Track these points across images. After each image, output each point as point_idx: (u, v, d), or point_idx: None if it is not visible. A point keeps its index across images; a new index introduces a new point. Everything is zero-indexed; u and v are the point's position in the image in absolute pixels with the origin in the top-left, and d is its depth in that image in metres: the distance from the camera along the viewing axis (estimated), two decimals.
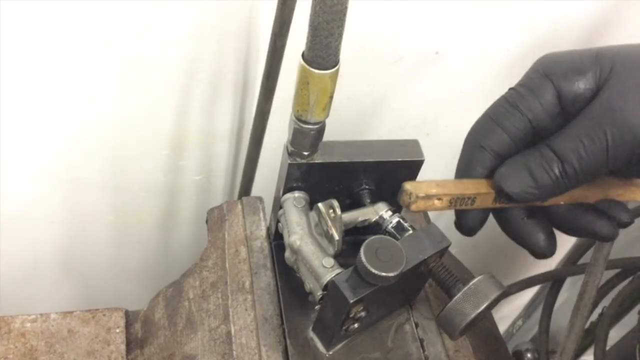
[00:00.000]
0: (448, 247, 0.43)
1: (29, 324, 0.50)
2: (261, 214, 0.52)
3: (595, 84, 0.40)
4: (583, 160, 0.38)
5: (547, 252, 0.43)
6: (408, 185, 0.42)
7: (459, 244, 1.12)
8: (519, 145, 0.42)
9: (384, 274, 0.38)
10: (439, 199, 0.41)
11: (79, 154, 0.70)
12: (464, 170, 0.43)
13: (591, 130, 0.38)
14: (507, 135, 0.41)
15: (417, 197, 0.41)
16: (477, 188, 0.42)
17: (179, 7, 0.58)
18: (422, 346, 0.47)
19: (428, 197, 0.41)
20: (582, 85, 0.40)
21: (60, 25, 0.56)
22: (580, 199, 0.44)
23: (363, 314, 0.41)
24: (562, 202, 0.43)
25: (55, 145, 0.68)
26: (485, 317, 0.47)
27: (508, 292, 0.90)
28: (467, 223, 0.44)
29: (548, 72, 0.41)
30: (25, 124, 0.64)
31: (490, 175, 0.42)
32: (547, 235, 0.43)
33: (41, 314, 0.51)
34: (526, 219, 0.43)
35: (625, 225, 0.43)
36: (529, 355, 0.68)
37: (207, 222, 0.53)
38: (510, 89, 0.43)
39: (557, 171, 0.39)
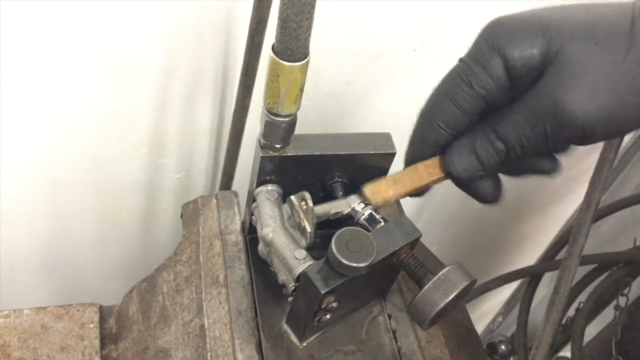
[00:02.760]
0: (419, 238, 0.43)
1: (1, 320, 0.49)
2: (236, 208, 0.52)
3: (542, 61, 0.39)
4: (525, 146, 0.40)
5: (496, 198, 0.44)
6: (368, 192, 0.44)
7: (438, 242, 1.13)
8: (472, 119, 0.42)
9: (354, 264, 0.38)
10: (396, 197, 0.44)
11: (58, 153, 0.70)
12: (418, 148, 0.44)
13: (532, 120, 0.39)
14: (462, 112, 0.41)
15: (376, 204, 0.44)
16: (430, 174, 0.43)
17: (157, 5, 0.58)
18: (395, 337, 0.47)
19: (385, 202, 0.44)
20: (529, 62, 0.39)
21: (39, 25, 0.55)
22: None
23: (335, 304, 0.42)
24: None
25: (33, 144, 0.68)
26: (458, 308, 0.47)
27: (487, 287, 0.91)
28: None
29: (496, 44, 0.40)
30: (4, 122, 0.64)
31: (442, 151, 0.43)
32: (495, 182, 0.44)
33: (14, 310, 0.50)
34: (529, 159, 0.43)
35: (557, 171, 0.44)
36: (502, 347, 0.68)
37: (182, 216, 0.53)
38: (461, 61, 0.42)
39: (502, 154, 0.41)
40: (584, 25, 0.39)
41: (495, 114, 0.41)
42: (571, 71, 0.38)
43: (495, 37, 0.40)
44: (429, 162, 0.43)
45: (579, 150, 0.46)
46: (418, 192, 0.44)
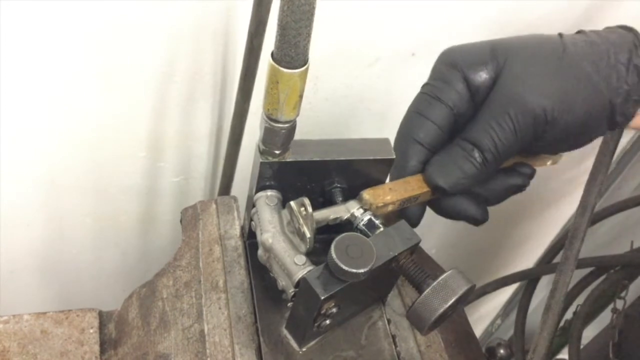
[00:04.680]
0: (418, 243, 0.43)
1: (1, 325, 0.49)
2: (235, 213, 0.53)
3: (494, 73, 0.45)
4: (497, 144, 0.43)
5: (483, 217, 0.48)
6: (367, 195, 0.45)
7: (437, 245, 1.13)
8: (445, 133, 0.46)
9: (354, 270, 0.39)
10: (392, 204, 0.46)
11: (57, 157, 0.70)
12: (401, 165, 0.47)
13: (498, 116, 0.43)
14: (435, 125, 0.46)
15: (376, 207, 0.45)
16: (420, 187, 0.46)
17: (155, 8, 0.58)
18: (395, 342, 0.47)
19: (385, 205, 0.45)
20: (484, 74, 0.45)
21: (36, 29, 0.55)
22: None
23: (334, 310, 0.42)
24: None
25: (32, 148, 0.68)
26: (457, 313, 0.48)
27: (484, 290, 0.91)
28: (410, 220, 0.48)
29: (454, 63, 0.46)
30: (2, 127, 0.64)
31: (422, 167, 0.47)
32: (477, 203, 0.47)
33: (14, 315, 0.50)
34: (454, 197, 0.47)
35: (530, 175, 0.49)
36: (501, 350, 0.69)
37: (181, 221, 0.54)
38: (425, 84, 0.47)
39: (478, 159, 0.44)
40: (524, 43, 0.46)
41: (464, 128, 0.46)
42: (521, 71, 0.44)
43: (452, 58, 0.47)
44: (417, 176, 0.47)
45: (573, 154, 0.48)
46: (411, 203, 0.47)
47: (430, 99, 0.46)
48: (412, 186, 0.46)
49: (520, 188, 0.49)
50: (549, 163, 0.53)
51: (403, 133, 0.47)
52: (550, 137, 0.44)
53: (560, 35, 0.46)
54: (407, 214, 0.48)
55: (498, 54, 0.45)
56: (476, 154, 0.44)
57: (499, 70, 0.45)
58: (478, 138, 0.44)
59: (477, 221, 0.48)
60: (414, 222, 0.48)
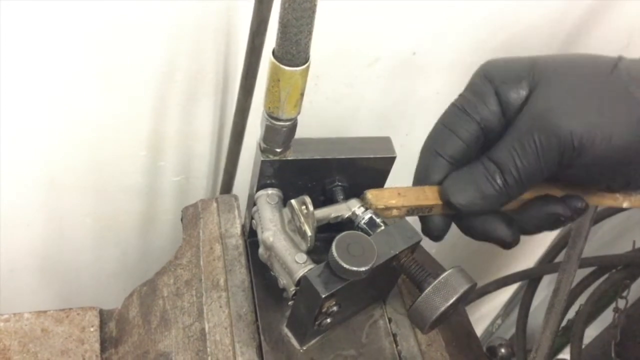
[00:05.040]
0: (419, 242, 0.43)
1: (1, 324, 0.49)
2: (236, 212, 0.52)
3: (528, 90, 0.42)
4: (519, 167, 0.41)
5: (513, 239, 0.45)
6: (369, 195, 0.44)
7: (438, 245, 1.13)
8: (472, 148, 0.44)
9: (355, 268, 0.38)
10: (397, 208, 0.44)
11: (57, 156, 0.70)
12: (422, 177, 0.45)
13: (522, 138, 0.40)
14: (460, 140, 0.44)
15: (376, 208, 0.44)
16: (435, 198, 0.44)
17: (156, 7, 0.58)
18: (395, 341, 0.47)
19: (387, 208, 0.44)
20: (517, 91, 0.42)
21: (37, 28, 0.55)
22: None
23: (335, 308, 0.42)
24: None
25: (32, 147, 0.68)
26: (458, 312, 0.47)
27: (486, 289, 0.91)
28: (431, 231, 0.46)
29: (490, 77, 0.43)
30: (2, 126, 0.64)
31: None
32: (508, 223, 0.44)
33: (14, 314, 0.50)
34: (483, 217, 0.44)
35: (581, 210, 0.45)
36: (502, 350, 0.69)
37: (182, 220, 0.54)
38: (459, 95, 0.45)
39: (499, 181, 0.42)
40: (569, 61, 0.43)
41: (492, 145, 0.43)
42: (554, 91, 0.41)
43: (488, 71, 0.44)
44: (435, 187, 0.45)
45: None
46: (422, 213, 0.45)
47: (459, 112, 0.44)
48: (427, 195, 0.44)
49: (560, 219, 0.44)
50: (624, 204, 0.47)
51: (428, 145, 0.45)
52: (582, 165, 0.40)
53: (618, 57, 0.42)
54: (428, 224, 0.45)
55: (536, 70, 0.42)
56: (497, 176, 0.41)
57: (533, 88, 0.42)
58: (501, 158, 0.41)
59: (505, 244, 0.45)
60: (436, 235, 0.45)
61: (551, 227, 0.45)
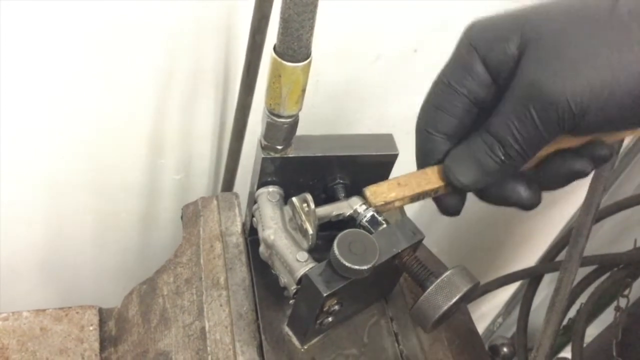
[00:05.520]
0: (421, 240, 0.43)
1: (0, 322, 0.49)
2: (236, 210, 0.52)
3: (517, 51, 0.38)
4: (519, 139, 0.38)
5: (534, 201, 0.42)
6: (367, 192, 0.43)
7: (439, 243, 1.13)
8: (465, 122, 0.41)
9: (357, 267, 0.38)
10: (399, 200, 0.42)
11: (57, 154, 0.70)
12: (422, 159, 0.43)
13: (517, 109, 0.37)
14: (451, 116, 0.41)
15: (375, 205, 0.42)
16: (440, 179, 0.42)
17: (156, 6, 0.58)
18: (397, 340, 0.47)
19: (386, 203, 0.42)
20: (506, 54, 0.38)
21: (38, 27, 0.55)
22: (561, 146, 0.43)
23: (337, 307, 0.41)
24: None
25: (32, 146, 0.67)
26: (460, 311, 0.47)
27: (486, 288, 0.91)
28: (447, 211, 0.44)
29: (473, 42, 0.40)
30: (2, 124, 0.63)
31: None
32: (527, 185, 0.42)
33: (13, 312, 0.50)
34: (501, 183, 0.41)
35: (606, 159, 0.42)
36: (505, 349, 0.68)
37: (182, 218, 0.53)
38: (444, 66, 0.42)
39: (501, 155, 0.39)
40: (559, 10, 0.38)
41: (488, 116, 0.40)
42: (545, 51, 0.37)
43: (472, 36, 0.40)
44: (436, 167, 0.43)
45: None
46: (429, 196, 0.43)
47: (444, 86, 0.41)
48: (429, 178, 0.42)
49: (582, 171, 0.41)
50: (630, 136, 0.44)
51: (419, 126, 0.43)
52: (588, 124, 0.37)
53: None
54: (442, 206, 0.43)
55: (525, 27, 0.38)
56: (497, 149, 0.39)
57: (523, 48, 0.38)
58: (500, 131, 0.39)
59: (526, 207, 0.42)
60: (453, 214, 0.43)
61: (574, 180, 0.42)
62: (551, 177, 0.42)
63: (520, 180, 0.42)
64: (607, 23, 0.36)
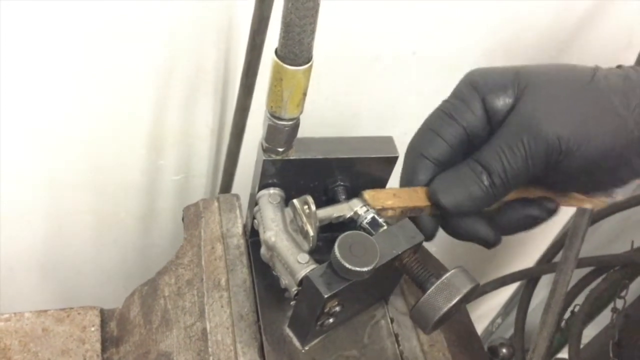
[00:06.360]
0: (422, 242, 0.43)
1: (2, 323, 0.49)
2: (237, 211, 0.52)
3: (514, 98, 0.44)
4: (507, 169, 0.42)
5: (496, 240, 0.46)
6: (367, 195, 0.45)
7: (437, 244, 1.13)
8: (456, 152, 0.45)
9: (357, 268, 0.38)
10: (392, 209, 0.45)
11: (57, 154, 0.70)
12: (408, 179, 0.46)
13: (510, 140, 0.42)
14: (446, 143, 0.45)
15: (373, 208, 0.44)
16: (427, 199, 0.45)
17: (157, 6, 0.58)
18: (397, 341, 0.47)
19: (383, 209, 0.44)
20: (503, 99, 0.44)
21: (36, 27, 0.55)
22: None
23: (338, 309, 0.41)
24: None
25: (32, 146, 0.68)
26: (460, 312, 0.47)
27: (483, 289, 0.91)
28: (422, 232, 0.46)
29: (475, 85, 0.45)
30: (2, 124, 0.63)
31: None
32: (490, 224, 0.46)
33: (15, 313, 0.50)
34: (465, 218, 0.46)
35: (553, 212, 0.47)
36: (504, 350, 0.69)
37: (183, 219, 0.53)
38: (444, 101, 0.46)
39: (486, 182, 0.43)
40: (550, 70, 0.44)
41: (477, 150, 0.44)
42: (541, 97, 0.42)
43: (473, 79, 0.45)
44: (427, 188, 0.45)
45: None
46: (415, 213, 0.46)
47: (445, 116, 0.45)
48: (420, 196, 0.45)
49: (536, 220, 0.47)
50: (587, 205, 0.50)
51: (413, 147, 0.47)
52: (566, 168, 0.43)
53: (595, 67, 0.44)
54: (419, 225, 0.46)
55: (520, 79, 0.44)
56: (484, 177, 0.43)
57: (519, 96, 0.43)
58: (488, 161, 0.43)
59: (488, 243, 0.46)
60: (427, 235, 0.47)
61: (527, 228, 0.47)
62: (510, 220, 0.47)
63: (485, 219, 0.46)
64: (589, 88, 0.43)
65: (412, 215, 0.46)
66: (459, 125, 0.45)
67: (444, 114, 0.45)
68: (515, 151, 0.42)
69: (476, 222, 0.45)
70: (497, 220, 0.46)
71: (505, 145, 0.42)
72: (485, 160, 0.43)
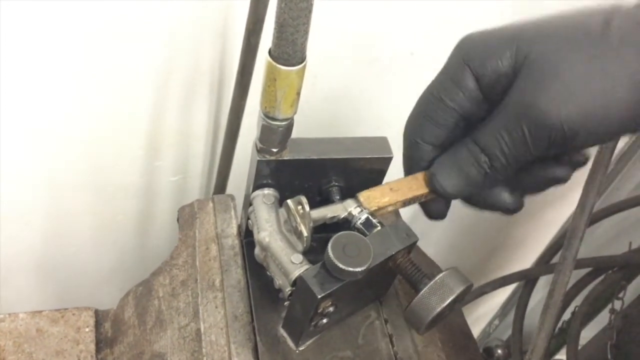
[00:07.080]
0: (415, 242, 0.43)
1: None
2: (232, 212, 0.52)
3: (511, 69, 0.39)
4: (507, 154, 0.39)
5: (517, 206, 0.43)
6: (361, 198, 0.44)
7: (434, 244, 1.13)
8: (454, 133, 0.42)
9: (351, 269, 0.38)
10: (392, 205, 0.44)
11: (54, 156, 0.70)
12: (408, 165, 0.44)
13: (509, 125, 0.38)
14: (438, 128, 0.42)
15: (369, 209, 0.44)
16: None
17: (154, 7, 0.58)
18: (392, 342, 0.47)
19: (379, 208, 0.44)
20: (499, 73, 0.39)
21: (36, 27, 0.55)
22: None
23: (332, 309, 0.41)
24: None
25: (30, 146, 0.67)
26: (454, 313, 0.47)
27: (482, 290, 0.91)
28: (433, 216, 0.45)
29: (466, 57, 0.40)
30: (1, 126, 0.63)
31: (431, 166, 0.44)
32: (510, 190, 0.43)
33: (9, 314, 0.50)
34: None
35: (582, 165, 0.43)
36: (499, 351, 0.69)
37: (178, 220, 0.53)
38: (434, 80, 0.42)
39: (485, 166, 0.40)
40: (553, 29, 0.39)
41: (475, 128, 0.41)
42: (541, 72, 0.37)
43: (465, 51, 0.41)
44: (427, 172, 0.44)
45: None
46: (419, 201, 0.44)
47: (434, 98, 0.42)
48: (420, 183, 0.43)
49: (561, 181, 0.42)
50: None
51: (407, 134, 0.44)
52: (573, 146, 0.38)
53: (610, 12, 0.37)
54: (428, 210, 0.45)
55: (519, 47, 0.38)
56: (483, 160, 0.40)
57: (519, 67, 0.38)
58: (487, 144, 0.39)
59: (510, 211, 0.43)
60: (437, 218, 0.44)
61: (552, 186, 0.43)
62: (533, 182, 0.43)
63: (503, 186, 0.43)
64: (599, 50, 0.37)
65: (416, 202, 0.44)
66: (449, 108, 0.41)
67: (432, 96, 0.42)
68: (515, 136, 0.38)
69: (498, 191, 0.43)
70: (518, 184, 0.43)
71: (503, 129, 0.38)
72: (484, 142, 0.40)
